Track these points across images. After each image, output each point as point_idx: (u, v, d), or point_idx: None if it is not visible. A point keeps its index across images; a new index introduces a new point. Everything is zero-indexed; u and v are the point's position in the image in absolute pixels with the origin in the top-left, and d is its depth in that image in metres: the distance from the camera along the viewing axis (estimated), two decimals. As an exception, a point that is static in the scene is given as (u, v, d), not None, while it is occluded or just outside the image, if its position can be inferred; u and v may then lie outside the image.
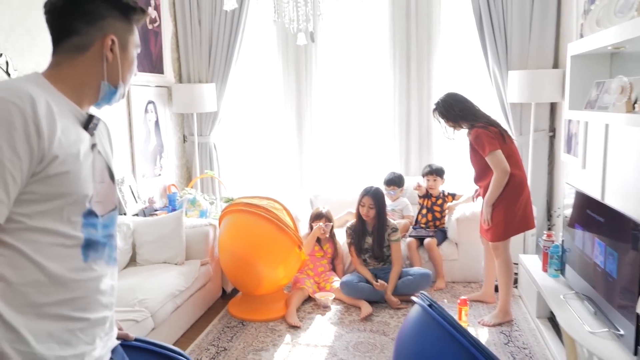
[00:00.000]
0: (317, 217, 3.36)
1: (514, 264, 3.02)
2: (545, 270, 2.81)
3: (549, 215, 3.85)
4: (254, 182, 4.42)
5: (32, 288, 0.94)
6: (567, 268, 2.61)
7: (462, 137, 3.01)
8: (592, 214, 2.25)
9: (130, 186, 3.41)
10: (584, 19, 3.09)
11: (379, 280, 3.07)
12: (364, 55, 4.15)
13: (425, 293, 1.66)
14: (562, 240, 2.70)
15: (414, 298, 1.60)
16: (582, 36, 3.09)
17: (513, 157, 2.81)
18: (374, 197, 3.16)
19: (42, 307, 0.95)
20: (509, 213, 2.79)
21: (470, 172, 3.01)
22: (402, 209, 3.79)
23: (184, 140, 4.36)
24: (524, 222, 2.83)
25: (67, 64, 1.03)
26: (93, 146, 1.05)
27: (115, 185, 1.14)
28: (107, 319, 1.08)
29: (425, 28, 3.99)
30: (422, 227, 3.62)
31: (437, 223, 3.62)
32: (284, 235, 2.84)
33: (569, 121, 3.37)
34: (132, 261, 3.02)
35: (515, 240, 3.32)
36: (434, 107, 2.97)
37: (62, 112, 0.99)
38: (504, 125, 3.77)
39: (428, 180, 3.68)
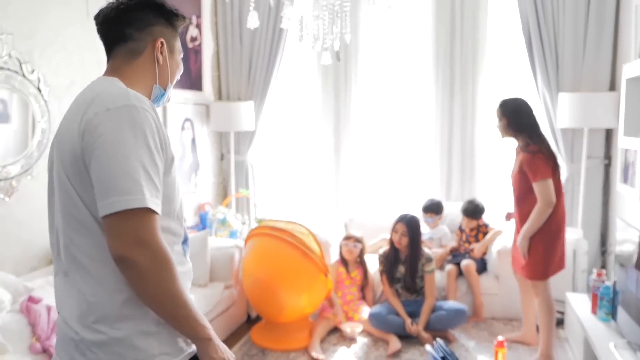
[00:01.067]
0: (346, 238, 3.28)
1: (560, 302, 2.79)
2: (594, 312, 2.56)
3: (603, 251, 3.55)
4: (289, 202, 4.39)
5: None
6: (620, 312, 2.37)
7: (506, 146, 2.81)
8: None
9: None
10: (644, 38, 2.86)
11: (413, 323, 2.92)
12: (406, 75, 4.06)
13: (442, 342, 1.53)
14: (614, 281, 2.45)
15: (427, 347, 1.47)
16: (642, 57, 2.86)
17: (558, 192, 2.61)
18: (408, 224, 3.03)
19: None
20: (551, 250, 2.59)
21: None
22: (441, 238, 3.62)
23: (222, 158, 4.41)
24: (562, 262, 2.62)
25: (126, 68, 1.13)
26: None
27: None
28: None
29: (470, 47, 3.85)
30: (461, 254, 3.44)
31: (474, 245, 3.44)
32: (308, 261, 2.76)
33: (626, 149, 3.11)
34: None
35: (564, 276, 3.06)
36: (498, 104, 2.70)
37: None
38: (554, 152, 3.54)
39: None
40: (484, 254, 3.37)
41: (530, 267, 2.64)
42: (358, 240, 3.21)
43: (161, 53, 1.15)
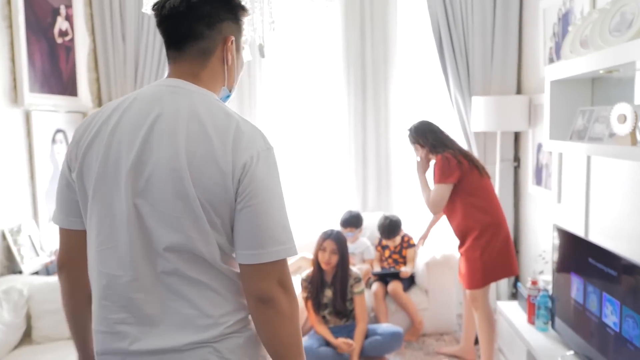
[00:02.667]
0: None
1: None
2: (531, 322, 2.48)
3: (515, 251, 3.59)
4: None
5: None
6: (558, 321, 2.29)
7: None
8: (597, 264, 1.93)
9: (30, 236, 2.75)
10: (552, 42, 2.89)
11: (338, 337, 2.61)
12: (315, 77, 3.78)
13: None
14: (550, 289, 2.38)
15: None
16: (551, 60, 2.89)
17: (487, 197, 2.51)
18: (337, 241, 2.72)
19: None
20: (486, 255, 2.48)
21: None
22: (363, 252, 3.37)
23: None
24: (505, 267, 2.54)
25: (203, 72, 1.05)
26: None
27: None
28: None
29: (381, 48, 3.70)
30: (385, 269, 3.22)
31: (402, 266, 3.23)
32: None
33: (538, 151, 3.15)
34: (27, 337, 2.36)
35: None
36: (407, 131, 2.75)
37: None
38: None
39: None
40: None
41: (468, 276, 2.50)
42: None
43: (230, 53, 1.08)
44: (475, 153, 3.49)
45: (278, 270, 0.98)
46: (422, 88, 3.74)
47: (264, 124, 3.76)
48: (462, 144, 3.51)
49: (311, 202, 3.85)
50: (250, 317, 1.05)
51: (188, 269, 0.98)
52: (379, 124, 3.76)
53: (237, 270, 1.03)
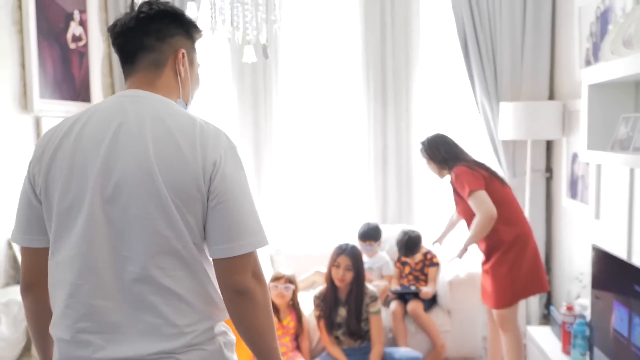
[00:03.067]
0: (275, 275, 2.71)
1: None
2: (566, 351, 2.23)
3: (547, 270, 3.32)
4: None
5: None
6: (597, 353, 2.04)
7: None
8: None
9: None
10: (589, 42, 2.65)
11: None
12: (334, 82, 3.62)
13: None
14: (589, 317, 2.13)
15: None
16: (588, 62, 2.65)
17: (511, 207, 2.31)
18: (352, 256, 2.55)
19: None
20: (515, 270, 2.29)
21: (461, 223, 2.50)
22: (382, 267, 3.17)
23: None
24: (535, 282, 2.33)
25: (158, 81, 1.09)
26: None
27: None
28: None
29: (402, 54, 3.50)
30: (405, 286, 3.00)
31: (423, 284, 3.01)
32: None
33: (573, 161, 2.90)
34: (26, 352, 2.26)
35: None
36: (420, 145, 2.60)
37: None
38: (495, 167, 3.27)
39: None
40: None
41: (495, 294, 2.29)
42: (290, 281, 2.66)
43: (182, 65, 1.12)
44: (503, 163, 3.25)
45: (252, 261, 1.01)
46: (447, 93, 3.53)
47: (279, 129, 3.61)
48: (489, 153, 3.29)
49: (327, 212, 3.66)
50: (216, 329, 1.07)
51: (160, 274, 0.98)
52: (400, 131, 3.56)
53: (211, 270, 1.05)
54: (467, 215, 2.38)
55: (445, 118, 3.54)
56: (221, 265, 1.01)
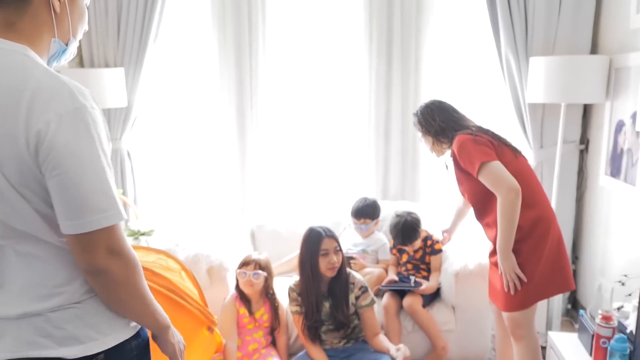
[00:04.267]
0: (244, 260, 2.28)
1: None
2: (598, 370, 1.77)
3: (573, 259, 2.83)
4: (180, 204, 3.31)
5: None
6: (642, 377, 1.57)
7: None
8: None
9: None
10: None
11: None
12: (330, 34, 3.08)
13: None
14: (635, 331, 1.65)
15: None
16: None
17: (528, 183, 1.80)
18: (333, 235, 2.14)
19: None
20: (533, 263, 1.78)
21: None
22: (378, 250, 2.71)
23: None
24: (558, 279, 1.82)
25: (20, 23, 0.94)
26: None
27: None
28: None
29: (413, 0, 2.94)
30: (404, 276, 2.54)
31: (424, 273, 2.54)
32: (179, 312, 1.74)
33: (618, 131, 2.35)
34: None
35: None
36: (413, 117, 2.09)
37: None
38: (519, 136, 2.74)
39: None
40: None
41: (505, 293, 1.82)
42: (260, 267, 2.22)
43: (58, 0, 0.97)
44: (529, 132, 2.72)
45: (104, 239, 0.94)
46: (463, 48, 2.97)
47: (266, 89, 3.12)
48: (513, 120, 2.75)
49: (319, 186, 3.20)
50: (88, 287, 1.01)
51: (16, 243, 0.96)
52: (407, 92, 3.03)
53: None
54: (475, 196, 1.88)
55: (460, 78, 2.99)
56: (70, 241, 0.94)
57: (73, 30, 1.02)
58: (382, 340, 2.12)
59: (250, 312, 2.23)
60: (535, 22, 2.60)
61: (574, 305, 2.88)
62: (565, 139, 2.67)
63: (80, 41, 1.15)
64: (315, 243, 2.09)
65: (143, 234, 2.63)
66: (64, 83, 0.90)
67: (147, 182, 3.29)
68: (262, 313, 2.26)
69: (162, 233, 2.96)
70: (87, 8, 1.06)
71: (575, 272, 2.85)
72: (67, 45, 1.02)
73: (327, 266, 2.09)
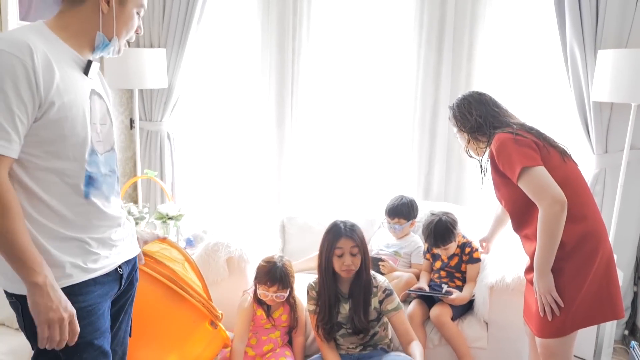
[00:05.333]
0: (266, 276, 2.11)
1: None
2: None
3: (636, 280, 2.56)
4: (215, 190, 3.32)
5: (44, 219, 1.14)
6: None
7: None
8: None
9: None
10: None
11: None
12: (377, 18, 2.95)
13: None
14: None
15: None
16: None
17: (577, 192, 1.61)
18: (353, 234, 2.00)
19: (56, 232, 1.15)
20: (576, 285, 1.60)
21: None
22: (411, 254, 2.58)
23: (131, 126, 3.33)
24: (605, 305, 1.62)
25: (68, 13, 1.18)
26: (92, 91, 1.21)
27: (113, 127, 1.29)
28: (112, 234, 1.26)
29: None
30: (436, 284, 2.40)
31: (458, 283, 2.38)
32: (180, 304, 1.73)
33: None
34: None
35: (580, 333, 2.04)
36: (449, 110, 1.92)
37: (61, 59, 1.14)
38: (581, 139, 2.49)
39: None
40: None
41: (541, 317, 1.65)
42: (284, 283, 2.11)
43: (108, 3, 1.18)
44: (593, 135, 2.47)
45: None
46: (523, 35, 2.74)
47: (308, 75, 3.05)
48: (575, 120, 2.51)
49: (357, 181, 3.10)
50: None
51: None
52: (457, 85, 2.85)
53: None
54: (514, 204, 1.71)
55: (518, 72, 2.77)
56: None
57: (117, 32, 1.21)
58: (414, 349, 1.98)
59: (268, 315, 2.19)
60: (608, 10, 2.34)
61: (633, 332, 2.62)
62: (633, 144, 2.41)
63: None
64: (332, 240, 2.01)
65: (171, 218, 2.65)
66: (4, 35, 1.08)
67: (186, 165, 3.33)
68: (281, 313, 2.21)
69: (192, 218, 3.02)
70: (140, 17, 1.25)
71: (636, 295, 2.59)
72: (109, 41, 1.20)
73: (341, 267, 2.00)
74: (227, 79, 3.21)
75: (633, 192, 2.48)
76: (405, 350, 2.02)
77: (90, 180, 1.18)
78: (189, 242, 2.69)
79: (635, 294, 2.59)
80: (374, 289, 2.05)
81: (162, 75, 2.94)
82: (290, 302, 2.21)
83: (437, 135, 2.93)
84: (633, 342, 1.81)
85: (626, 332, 2.64)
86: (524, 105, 2.70)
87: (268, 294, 2.11)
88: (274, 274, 2.10)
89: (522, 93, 2.75)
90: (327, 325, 2.04)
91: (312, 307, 2.10)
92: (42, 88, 1.07)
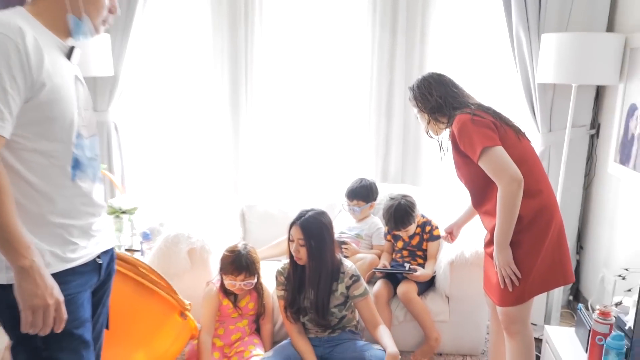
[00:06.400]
0: (232, 266, 2.15)
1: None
2: (593, 368, 1.76)
3: (578, 249, 2.81)
4: (169, 181, 3.29)
5: (29, 202, 1.15)
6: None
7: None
8: None
9: None
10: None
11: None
12: (329, 7, 3.01)
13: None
14: (633, 327, 1.63)
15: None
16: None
17: (532, 169, 1.76)
18: (304, 227, 2.05)
19: (38, 216, 1.17)
20: (532, 256, 1.75)
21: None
22: (372, 235, 2.69)
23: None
24: (557, 272, 1.78)
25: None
26: (75, 77, 1.24)
27: (94, 114, 1.37)
28: (93, 224, 1.29)
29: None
30: (398, 263, 2.53)
31: (420, 261, 2.52)
32: (150, 297, 1.74)
33: (630, 115, 2.30)
34: None
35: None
36: (409, 91, 2.00)
37: (47, 44, 1.16)
38: (527, 118, 2.68)
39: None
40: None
41: (500, 288, 1.79)
42: (249, 272, 2.16)
43: None
44: (538, 114, 2.66)
45: None
46: (473, 19, 2.89)
47: (261, 60, 3.07)
48: (522, 101, 2.69)
49: (316, 166, 3.17)
50: None
51: None
52: (412, 66, 2.98)
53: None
54: (474, 182, 1.83)
55: (468, 54, 2.93)
56: None
57: (87, 11, 1.21)
58: (382, 334, 2.08)
59: (234, 303, 2.22)
60: (550, -5, 2.51)
61: (576, 297, 2.87)
62: (575, 122, 2.62)
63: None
64: (289, 226, 2.08)
65: (125, 212, 2.60)
66: None
67: (136, 157, 3.27)
68: (248, 301, 2.26)
69: (147, 211, 2.98)
70: None
71: (579, 263, 2.84)
72: (80, 19, 1.21)
73: (294, 253, 2.07)
74: (177, 66, 3.16)
75: (575, 168, 2.70)
76: (372, 333, 2.13)
77: (76, 163, 1.21)
78: (146, 236, 2.67)
79: (578, 262, 2.84)
80: (341, 275, 2.13)
81: (107, 62, 2.86)
82: (257, 289, 2.25)
83: (393, 117, 3.04)
84: (580, 305, 2.01)
85: (571, 298, 2.89)
86: (474, 87, 2.84)
87: (236, 284, 2.15)
88: (239, 263, 2.14)
89: (472, 75, 2.91)
90: (294, 308, 2.10)
91: (281, 292, 2.16)
92: (33, 69, 1.09)
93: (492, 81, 2.91)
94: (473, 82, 2.89)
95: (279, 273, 2.18)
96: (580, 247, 2.82)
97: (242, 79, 3.09)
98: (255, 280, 2.21)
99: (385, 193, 2.79)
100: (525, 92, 2.67)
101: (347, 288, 2.12)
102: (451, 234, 2.15)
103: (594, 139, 2.71)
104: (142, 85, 3.21)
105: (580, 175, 2.74)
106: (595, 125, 2.69)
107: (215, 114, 3.15)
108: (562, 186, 2.58)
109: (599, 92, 2.67)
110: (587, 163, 2.74)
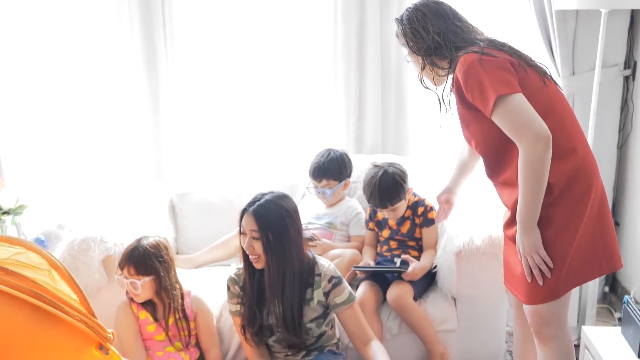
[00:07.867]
0: (122, 257, 2.15)
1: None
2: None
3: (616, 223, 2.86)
4: (68, 172, 3.21)
5: None
6: None
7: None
8: None
9: None
10: None
11: None
12: None
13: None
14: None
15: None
16: None
17: (566, 120, 1.74)
18: (260, 216, 1.96)
19: None
20: (567, 239, 1.71)
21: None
22: (349, 224, 2.64)
23: None
24: (601, 255, 1.76)
25: None
26: None
27: None
28: None
29: None
30: (386, 258, 2.50)
31: (414, 253, 2.50)
32: (54, 326, 1.63)
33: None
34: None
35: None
36: (396, 24, 1.93)
37: None
38: (544, 59, 2.68)
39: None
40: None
41: (526, 280, 1.76)
42: (135, 268, 2.09)
43: None
44: (557, 52, 2.66)
45: None
46: None
47: (187, 16, 3.01)
48: (535, 35, 2.67)
49: (272, 140, 3.20)
50: None
51: None
52: (388, 9, 2.95)
53: None
54: (487, 144, 1.79)
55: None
56: None
57: None
58: (375, 354, 2.01)
59: (156, 318, 2.16)
60: None
61: (613, 288, 2.93)
62: (605, 62, 2.63)
63: None
64: (239, 216, 2.01)
65: (7, 212, 2.53)
66: None
67: (18, 140, 3.17)
68: (177, 319, 2.18)
69: (40, 210, 2.92)
70: None
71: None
72: None
73: (247, 251, 2.00)
74: (70, 27, 3.06)
75: (606, 121, 2.73)
76: (362, 352, 2.06)
77: None
78: (40, 243, 2.58)
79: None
80: (316, 278, 2.06)
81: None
82: (182, 299, 2.19)
83: (366, 70, 3.04)
84: (626, 297, 2.02)
85: (606, 289, 2.95)
86: (475, 21, 2.84)
87: (123, 280, 2.11)
88: (130, 254, 2.12)
89: (473, 5, 2.88)
90: (254, 327, 2.04)
91: (236, 307, 2.10)
92: None
93: (496, 10, 2.89)
94: (474, 15, 2.88)
95: (232, 281, 2.10)
96: (616, 223, 2.87)
97: (160, 34, 3.01)
98: (148, 279, 2.10)
99: (361, 167, 2.75)
100: (540, 24, 2.67)
101: (326, 295, 2.05)
102: (447, 204, 2.14)
103: (628, 81, 2.75)
104: (27, 51, 3.08)
105: (613, 131, 2.79)
106: (631, 63, 2.73)
107: (125, 75, 3.07)
108: (592, 144, 2.59)
109: (634, 20, 2.68)
110: (620, 114, 2.80)
